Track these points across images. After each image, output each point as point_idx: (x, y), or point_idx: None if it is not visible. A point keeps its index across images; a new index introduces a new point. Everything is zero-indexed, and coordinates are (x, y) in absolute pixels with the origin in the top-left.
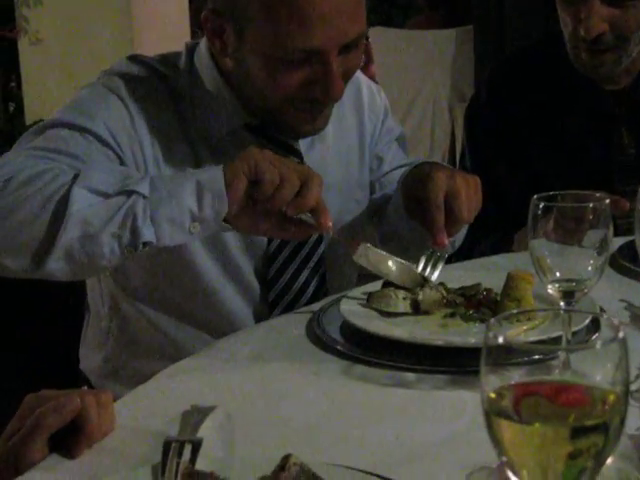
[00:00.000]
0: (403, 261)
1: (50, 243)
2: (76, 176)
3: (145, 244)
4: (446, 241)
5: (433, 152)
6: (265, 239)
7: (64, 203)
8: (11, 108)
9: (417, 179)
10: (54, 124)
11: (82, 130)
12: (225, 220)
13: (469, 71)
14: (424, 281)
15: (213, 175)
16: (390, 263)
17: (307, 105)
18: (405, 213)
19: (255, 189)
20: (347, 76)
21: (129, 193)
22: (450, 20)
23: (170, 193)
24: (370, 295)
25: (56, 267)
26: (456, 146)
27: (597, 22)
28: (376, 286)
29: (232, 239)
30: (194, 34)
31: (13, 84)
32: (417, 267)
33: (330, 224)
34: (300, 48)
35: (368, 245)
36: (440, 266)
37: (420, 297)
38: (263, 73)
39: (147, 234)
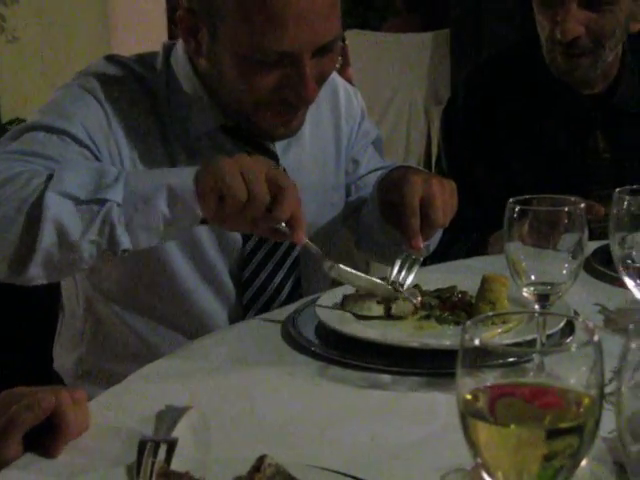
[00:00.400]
0: (373, 278)
1: (29, 250)
2: (50, 178)
3: (124, 250)
4: (421, 245)
5: (409, 155)
6: (240, 241)
7: (39, 208)
8: None
9: (393, 183)
10: (31, 127)
11: (59, 132)
12: (203, 221)
13: (445, 74)
14: (396, 293)
15: (184, 182)
16: (361, 281)
17: (280, 107)
18: (380, 217)
19: (222, 204)
20: (321, 79)
21: (103, 201)
22: (427, 23)
23: (144, 200)
24: (345, 298)
25: (36, 273)
26: (432, 149)
27: (573, 25)
28: (351, 289)
29: (207, 240)
30: (172, 33)
31: None
32: (392, 270)
33: (302, 238)
34: (273, 49)
35: (339, 265)
36: (415, 269)
37: (393, 310)
38: (236, 74)
39: (125, 242)
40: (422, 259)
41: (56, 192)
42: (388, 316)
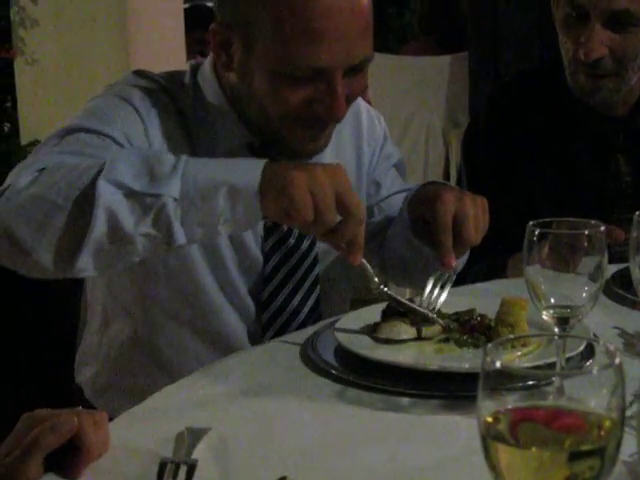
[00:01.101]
0: (410, 304)
1: (79, 239)
2: (102, 166)
3: (177, 245)
4: (454, 263)
5: (427, 177)
6: (261, 260)
7: (90, 196)
8: (6, 128)
9: (425, 200)
10: (71, 130)
11: (101, 134)
12: None
13: (464, 97)
14: (428, 315)
15: (249, 184)
16: (400, 305)
17: (309, 123)
18: (411, 234)
19: (286, 217)
20: (350, 98)
21: (157, 195)
22: (445, 46)
23: (202, 197)
24: (376, 325)
25: (85, 264)
26: (450, 171)
27: (597, 46)
28: (371, 311)
29: (230, 259)
30: (190, 55)
31: (8, 104)
32: (425, 289)
33: (359, 259)
34: (307, 65)
35: (385, 289)
36: (447, 288)
37: (423, 333)
38: (267, 88)
39: (180, 237)
40: (455, 277)
41: (109, 181)
42: (418, 338)
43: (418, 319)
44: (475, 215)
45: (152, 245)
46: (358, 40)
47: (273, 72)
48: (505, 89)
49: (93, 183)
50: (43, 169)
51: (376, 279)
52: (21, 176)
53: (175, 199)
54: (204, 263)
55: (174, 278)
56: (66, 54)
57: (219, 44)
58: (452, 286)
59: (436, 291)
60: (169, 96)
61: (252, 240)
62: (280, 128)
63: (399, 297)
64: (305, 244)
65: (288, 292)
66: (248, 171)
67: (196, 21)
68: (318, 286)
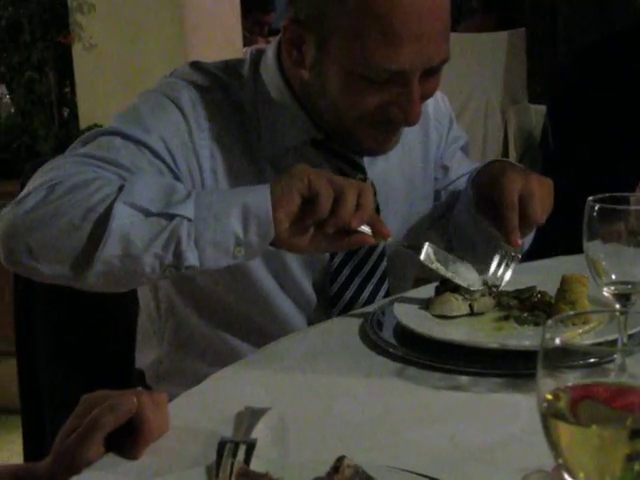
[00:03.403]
0: (463, 260)
1: (90, 257)
2: (121, 188)
3: (187, 267)
4: (520, 241)
5: (485, 155)
6: (328, 256)
7: (106, 218)
8: (65, 113)
9: (490, 178)
10: (108, 132)
11: (137, 142)
12: (272, 243)
13: (522, 74)
14: (485, 283)
15: (260, 198)
16: (453, 262)
17: (381, 125)
18: (476, 212)
19: (310, 207)
20: (424, 100)
21: (172, 216)
22: (502, 23)
23: (215, 217)
24: (430, 301)
25: (94, 281)
26: (509, 149)
27: None
28: (429, 288)
29: (292, 257)
30: (245, 39)
31: (67, 90)
32: (490, 268)
33: (389, 231)
34: (385, 68)
35: (430, 245)
36: (512, 266)
37: (475, 308)
38: (342, 89)
39: (191, 258)
40: (520, 256)
41: (126, 203)
42: (471, 314)
43: (474, 284)
44: (541, 195)
45: (160, 267)
46: (437, 43)
47: (348, 73)
48: (596, 49)
49: (110, 205)
50: (60, 182)
51: (417, 245)
52: (38, 187)
53: (189, 219)
54: (260, 259)
55: (231, 273)
56: (123, 39)
57: (291, 41)
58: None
59: (501, 269)
60: (224, 91)
61: None
62: (353, 128)
63: (443, 271)
64: None
65: (356, 287)
66: (257, 189)
67: (252, 3)
68: (387, 280)
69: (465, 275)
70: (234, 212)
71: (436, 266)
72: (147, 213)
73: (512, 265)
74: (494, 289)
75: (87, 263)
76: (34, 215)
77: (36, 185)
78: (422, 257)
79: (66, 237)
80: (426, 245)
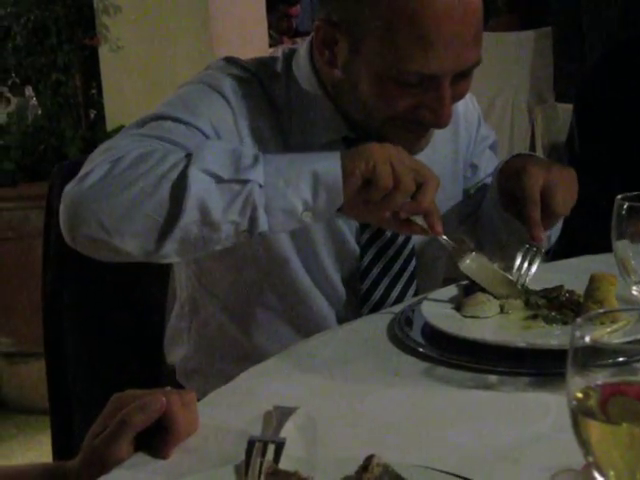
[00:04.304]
0: (504, 272)
1: (170, 225)
2: (188, 155)
3: (260, 232)
4: (543, 236)
5: (513, 154)
6: (358, 252)
7: (182, 184)
8: (92, 115)
9: (512, 172)
10: (157, 117)
11: (187, 124)
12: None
13: (548, 73)
14: (522, 291)
15: (331, 168)
16: (492, 274)
17: (412, 126)
18: (501, 207)
19: (368, 189)
20: (454, 102)
21: (245, 182)
22: (529, 22)
23: (286, 183)
24: (461, 302)
25: (170, 250)
26: (536, 148)
27: None
28: (457, 287)
29: (324, 249)
30: (271, 39)
31: (94, 91)
32: (514, 263)
33: (441, 229)
34: (417, 71)
35: (474, 254)
36: (537, 261)
37: (505, 308)
38: (373, 90)
39: (263, 224)
40: (544, 251)
41: (199, 169)
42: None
43: (499, 295)
44: (563, 187)
45: (236, 232)
46: (469, 47)
47: (380, 75)
48: (624, 48)
49: (184, 172)
50: (122, 156)
51: (461, 251)
52: (100, 162)
53: (260, 185)
54: (295, 254)
55: (265, 268)
56: (149, 40)
57: (323, 41)
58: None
59: (525, 265)
60: (260, 86)
61: (348, 232)
62: (383, 128)
63: (472, 276)
64: (400, 238)
65: (385, 286)
66: (327, 158)
67: None
68: (415, 280)
69: (501, 287)
70: (304, 179)
71: (472, 273)
72: (219, 179)
73: (537, 260)
74: (522, 285)
75: (167, 231)
76: (101, 188)
77: (96, 162)
78: (461, 264)
79: (140, 206)
80: (471, 254)
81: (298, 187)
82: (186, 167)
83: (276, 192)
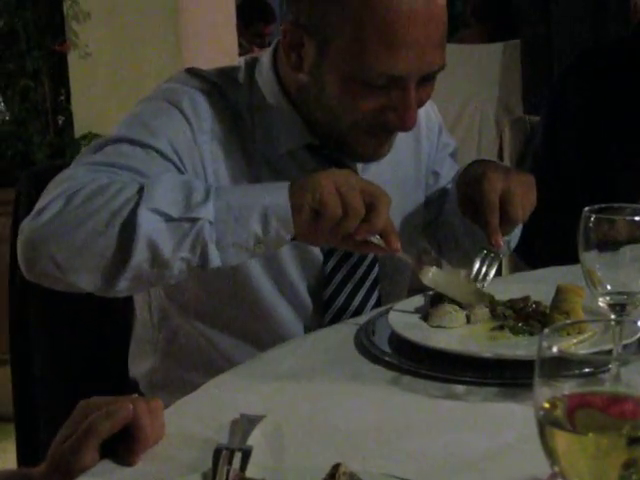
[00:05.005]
0: (468, 282)
1: (121, 265)
2: (140, 191)
3: (212, 267)
4: (501, 242)
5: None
6: (321, 259)
7: (132, 224)
8: (60, 121)
9: (472, 178)
10: (114, 140)
11: (143, 145)
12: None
13: (516, 85)
14: (489, 298)
15: (279, 202)
16: (456, 284)
17: (376, 131)
18: (460, 213)
19: (318, 219)
20: (419, 106)
21: (195, 220)
22: (497, 34)
23: (236, 219)
24: (427, 312)
25: (124, 286)
26: (504, 160)
27: None
28: (423, 297)
29: (288, 257)
30: (241, 48)
31: (62, 97)
32: (472, 268)
33: (398, 246)
34: (384, 72)
35: (435, 268)
36: (495, 266)
37: (472, 318)
38: (340, 93)
39: (215, 259)
40: (502, 256)
41: (149, 209)
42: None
43: (465, 304)
44: (522, 193)
45: (188, 268)
46: (434, 49)
47: (347, 78)
48: (594, 54)
49: (134, 210)
50: (77, 191)
51: (422, 266)
52: (56, 197)
53: (210, 222)
54: (259, 263)
55: (231, 279)
56: (118, 47)
57: (290, 44)
58: (511, 272)
59: (483, 270)
60: (222, 97)
61: None
62: (347, 133)
63: (454, 277)
64: None
65: (348, 292)
66: (278, 191)
67: (254, 14)
68: (378, 286)
69: (468, 296)
70: (254, 215)
71: (436, 285)
72: (169, 218)
73: (494, 265)
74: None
75: (118, 270)
76: (55, 225)
77: (52, 196)
78: (422, 277)
79: (92, 244)
80: (430, 268)
81: (248, 223)
82: (137, 205)
83: (227, 228)
